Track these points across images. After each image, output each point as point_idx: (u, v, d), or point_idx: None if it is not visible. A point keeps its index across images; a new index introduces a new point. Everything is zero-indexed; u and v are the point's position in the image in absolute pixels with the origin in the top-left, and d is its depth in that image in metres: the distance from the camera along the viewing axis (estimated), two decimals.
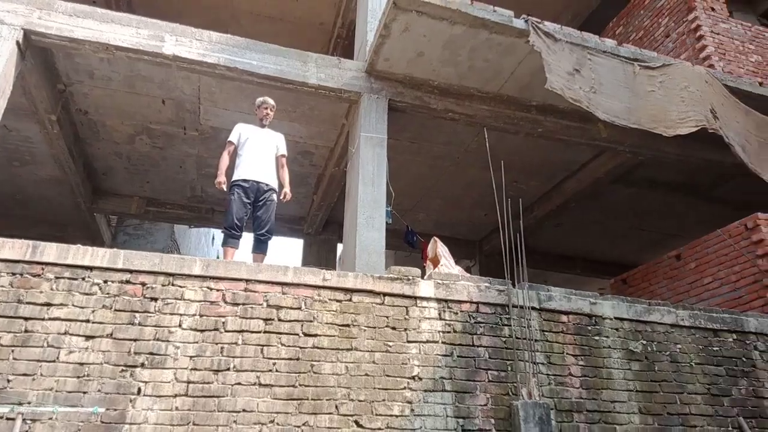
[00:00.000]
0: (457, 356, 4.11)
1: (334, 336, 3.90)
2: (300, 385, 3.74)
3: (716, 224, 7.49)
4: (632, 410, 4.44)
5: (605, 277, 11.73)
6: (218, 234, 19.50)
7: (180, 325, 3.72)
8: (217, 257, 11.21)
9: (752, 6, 10.59)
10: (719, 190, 9.03)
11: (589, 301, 4.70)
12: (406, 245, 8.83)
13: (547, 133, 7.01)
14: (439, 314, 4.20)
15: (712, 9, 8.21)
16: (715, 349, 5.07)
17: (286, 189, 5.32)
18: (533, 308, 4.38)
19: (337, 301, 4.01)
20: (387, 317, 4.06)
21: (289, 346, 3.83)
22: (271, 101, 5.47)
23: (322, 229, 9.75)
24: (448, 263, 4.64)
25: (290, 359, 3.80)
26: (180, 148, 7.77)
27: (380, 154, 5.88)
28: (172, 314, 3.74)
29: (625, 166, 7.97)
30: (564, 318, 4.52)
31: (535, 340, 4.28)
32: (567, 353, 4.42)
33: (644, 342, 4.78)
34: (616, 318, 4.74)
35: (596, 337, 4.59)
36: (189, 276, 3.86)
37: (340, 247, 11.67)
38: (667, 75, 6.37)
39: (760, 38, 8.28)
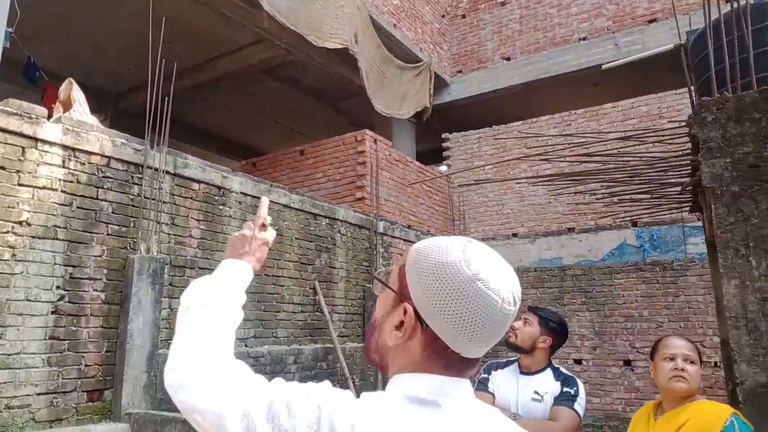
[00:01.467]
0: (77, 207, 3.95)
1: None
2: None
3: (335, 131, 8.93)
4: None
5: (238, 158, 12.53)
6: None
7: None
8: None
9: None
10: (345, 103, 10.66)
11: (222, 175, 5.12)
12: (24, 80, 7.43)
13: (213, 2, 6.87)
14: (64, 162, 3.89)
15: None
16: (312, 228, 6.27)
17: None
18: (168, 172, 4.51)
19: None
20: None
21: None
22: None
23: None
24: (82, 110, 4.25)
25: None
26: None
27: None
28: None
29: (278, 60, 8.55)
30: (196, 186, 4.82)
31: (164, 202, 4.45)
32: (192, 217, 4.77)
33: None
34: (241, 193, 5.32)
35: (221, 207, 5.08)
36: None
37: None
38: None
39: None
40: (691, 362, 1.80)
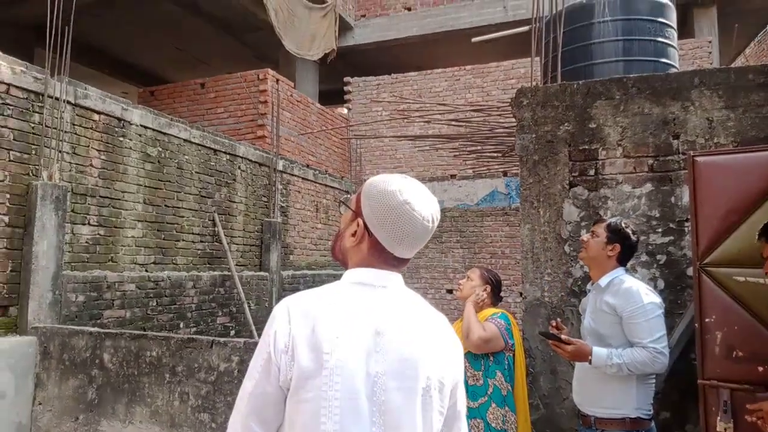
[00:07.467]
0: None
1: None
2: None
3: (239, 65, 9.02)
4: (138, 200, 5.47)
5: (133, 83, 12.10)
6: None
7: None
8: None
9: None
10: (252, 37, 10.60)
11: (122, 107, 5.27)
12: None
13: None
14: None
15: None
16: (212, 163, 6.59)
17: None
18: (68, 102, 4.63)
19: None
20: None
21: None
22: None
23: None
24: None
25: None
26: None
27: None
28: None
29: None
30: (96, 117, 4.97)
31: (65, 131, 4.60)
32: (92, 147, 4.95)
33: (160, 149, 5.78)
34: (141, 125, 5.52)
35: (121, 138, 5.27)
36: None
37: None
38: None
39: None
40: (468, 278, 2.64)
